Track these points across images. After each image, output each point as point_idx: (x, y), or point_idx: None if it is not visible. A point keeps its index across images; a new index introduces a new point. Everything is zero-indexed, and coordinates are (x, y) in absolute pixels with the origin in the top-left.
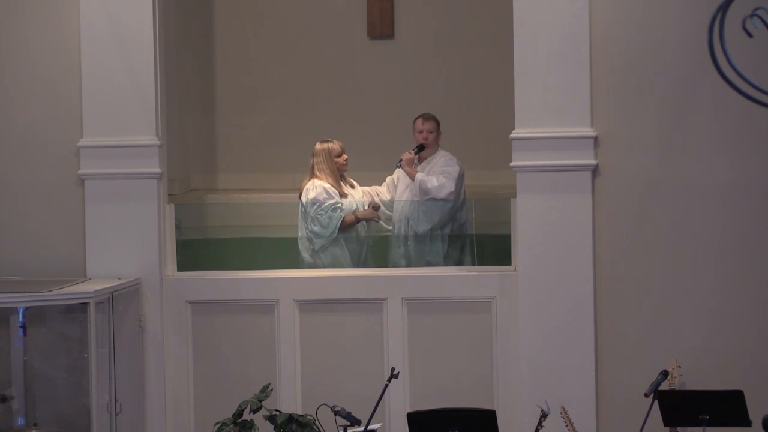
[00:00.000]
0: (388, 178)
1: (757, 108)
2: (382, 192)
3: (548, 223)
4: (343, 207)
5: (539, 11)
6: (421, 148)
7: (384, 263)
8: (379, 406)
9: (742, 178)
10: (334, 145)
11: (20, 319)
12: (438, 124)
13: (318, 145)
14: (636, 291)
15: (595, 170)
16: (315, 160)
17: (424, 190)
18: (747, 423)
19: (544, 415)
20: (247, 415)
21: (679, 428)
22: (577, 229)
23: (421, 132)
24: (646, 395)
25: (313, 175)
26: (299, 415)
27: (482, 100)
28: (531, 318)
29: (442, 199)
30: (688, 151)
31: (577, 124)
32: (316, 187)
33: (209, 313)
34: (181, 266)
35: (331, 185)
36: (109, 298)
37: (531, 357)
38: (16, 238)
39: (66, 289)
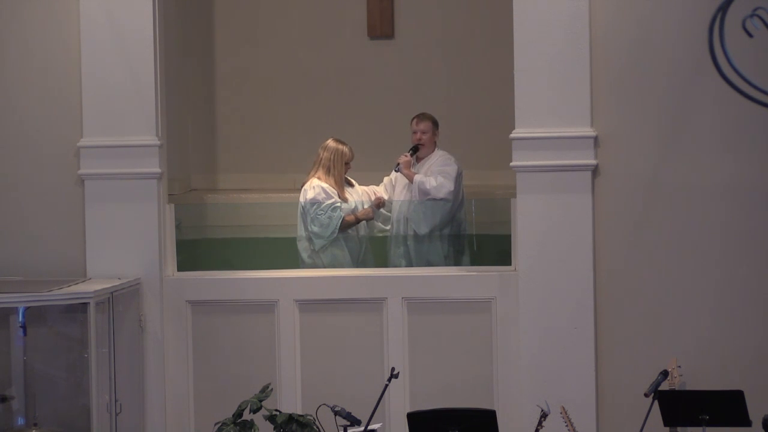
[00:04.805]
0: (386, 179)
1: (757, 108)
2: (379, 192)
3: (548, 223)
4: (342, 207)
5: (539, 11)
6: (416, 149)
7: (384, 263)
8: (379, 406)
9: (742, 178)
10: (347, 151)
11: (20, 319)
12: (435, 124)
13: (332, 143)
14: (636, 291)
15: (595, 170)
16: (324, 154)
17: (423, 191)
18: (747, 423)
19: (544, 415)
20: (247, 415)
21: (679, 428)
22: (577, 229)
23: (415, 132)
24: (646, 395)
25: (317, 171)
26: (299, 415)
27: (482, 100)
28: (531, 318)
29: (441, 199)
30: (688, 151)
31: (577, 124)
32: (315, 188)
33: (209, 313)
34: (181, 266)
35: (331, 186)
36: (109, 298)
37: (531, 357)
38: (16, 238)
39: (66, 289)
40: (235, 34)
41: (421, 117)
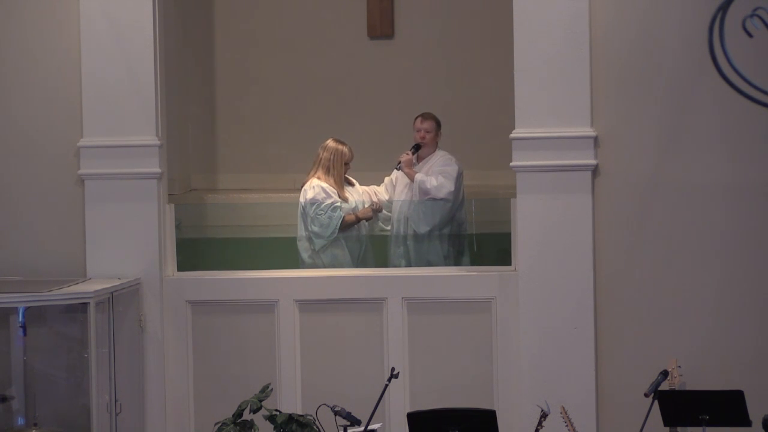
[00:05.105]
0: (387, 179)
1: (757, 108)
2: (380, 192)
3: (548, 223)
4: (343, 207)
5: (539, 11)
6: (417, 147)
7: (384, 263)
8: (379, 406)
9: (742, 178)
10: (347, 151)
11: (20, 319)
12: (437, 124)
13: (331, 143)
14: (636, 291)
15: (595, 170)
16: (324, 155)
17: (423, 191)
18: (747, 423)
19: (544, 415)
20: (247, 415)
21: (679, 428)
22: (577, 229)
23: (419, 131)
24: (646, 395)
25: (316, 171)
26: (299, 415)
27: (482, 100)
28: (531, 318)
29: (441, 199)
30: (688, 151)
31: (577, 124)
32: (314, 187)
33: (209, 313)
34: (181, 266)
35: (330, 186)
36: (109, 298)
37: (531, 357)
38: (16, 238)
39: (66, 289)
40: (235, 34)
41: (425, 116)
